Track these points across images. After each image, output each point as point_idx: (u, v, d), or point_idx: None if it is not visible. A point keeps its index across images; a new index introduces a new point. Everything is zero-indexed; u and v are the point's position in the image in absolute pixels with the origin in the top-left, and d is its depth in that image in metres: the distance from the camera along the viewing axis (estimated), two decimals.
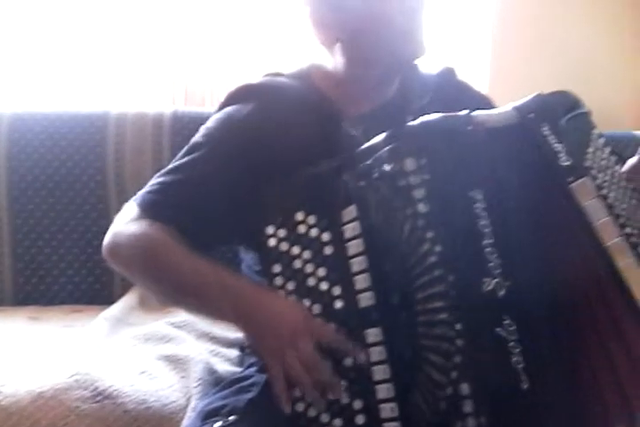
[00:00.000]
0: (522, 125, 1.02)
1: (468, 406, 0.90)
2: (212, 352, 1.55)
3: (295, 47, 2.27)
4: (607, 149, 1.03)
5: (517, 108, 1.03)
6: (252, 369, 1.25)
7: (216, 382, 1.40)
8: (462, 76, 1.36)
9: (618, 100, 2.66)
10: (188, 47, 2.25)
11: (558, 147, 1.00)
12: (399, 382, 0.95)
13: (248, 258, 1.27)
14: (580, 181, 0.99)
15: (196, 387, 1.37)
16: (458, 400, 0.90)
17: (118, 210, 1.86)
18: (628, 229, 0.98)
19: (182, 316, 1.68)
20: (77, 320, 1.73)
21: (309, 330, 0.97)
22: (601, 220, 0.98)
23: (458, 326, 0.91)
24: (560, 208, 0.99)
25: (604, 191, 1.00)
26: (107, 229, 1.87)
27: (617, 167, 1.03)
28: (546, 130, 1.01)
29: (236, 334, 1.66)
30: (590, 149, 1.02)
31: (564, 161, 1.00)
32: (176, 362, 1.45)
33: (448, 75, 1.34)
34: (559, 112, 1.03)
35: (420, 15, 1.16)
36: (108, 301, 1.83)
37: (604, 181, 1.00)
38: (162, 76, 2.25)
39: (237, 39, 2.26)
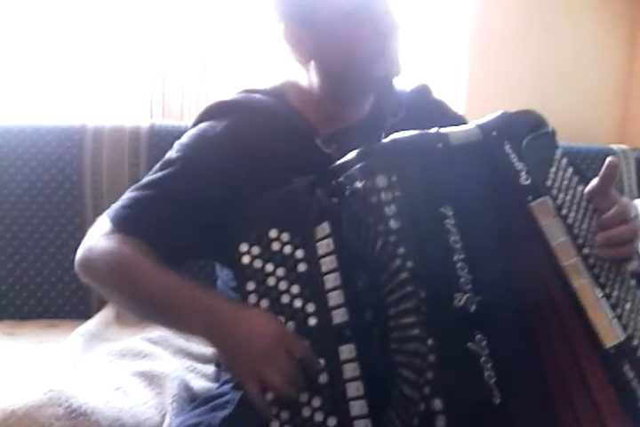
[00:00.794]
0: (484, 143, 1.02)
1: (440, 422, 0.90)
2: (189, 368, 1.54)
3: (274, 63, 2.27)
4: (570, 169, 1.03)
5: (480, 126, 1.04)
6: (228, 386, 1.25)
7: (191, 398, 1.39)
8: (438, 93, 1.37)
9: (597, 115, 2.69)
10: (166, 60, 2.25)
11: (519, 165, 1.01)
12: (373, 398, 0.95)
13: (223, 274, 1.27)
14: (539, 200, 1.00)
15: (171, 404, 1.35)
16: (431, 416, 0.90)
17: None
18: (585, 250, 0.99)
19: (158, 331, 1.68)
20: (53, 336, 1.71)
21: (283, 344, 0.97)
22: (559, 239, 0.98)
23: (430, 342, 0.91)
24: (520, 226, 1.00)
25: (564, 211, 1.00)
26: None
27: (579, 187, 1.03)
28: (508, 148, 1.02)
29: (212, 349, 1.65)
30: (552, 169, 1.02)
31: (525, 180, 1.01)
32: (151, 378, 1.44)
33: (423, 92, 1.34)
34: (522, 131, 1.03)
35: (395, 36, 1.16)
36: (86, 315, 1.82)
37: (565, 202, 1.01)
38: (140, 89, 2.26)
39: (216, 54, 2.26)
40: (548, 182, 1.01)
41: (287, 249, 1.03)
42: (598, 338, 0.95)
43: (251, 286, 1.03)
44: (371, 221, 0.96)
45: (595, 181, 1.03)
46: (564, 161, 1.03)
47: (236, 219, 1.06)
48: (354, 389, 0.96)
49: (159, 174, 1.18)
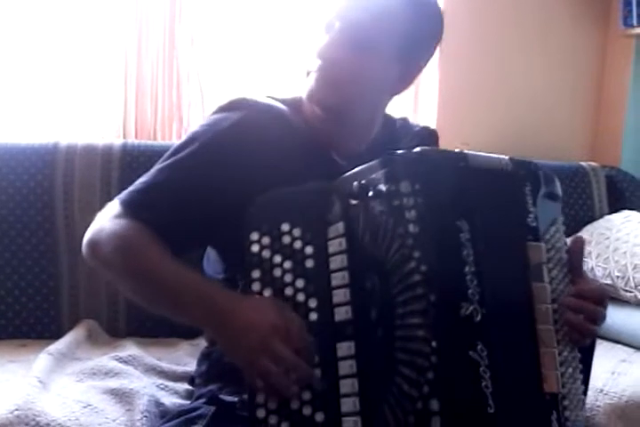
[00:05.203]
0: (511, 176, 1.08)
1: (435, 423, 0.90)
2: (160, 386, 1.52)
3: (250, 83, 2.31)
4: (564, 237, 1.12)
5: (513, 160, 1.09)
6: (201, 401, 1.23)
7: (162, 414, 1.38)
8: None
9: (567, 133, 2.75)
10: (140, 79, 2.24)
11: (531, 208, 1.08)
12: (366, 396, 0.96)
13: (214, 266, 1.27)
14: (536, 243, 1.07)
15: (140, 419, 1.34)
16: (426, 415, 0.91)
17: (66, 244, 1.85)
18: (555, 305, 1.06)
19: (129, 350, 1.67)
20: (23, 355, 1.67)
21: (280, 334, 0.98)
22: (539, 284, 1.06)
23: (434, 344, 0.92)
24: (515, 259, 1.06)
25: (550, 265, 1.08)
26: (54, 263, 1.85)
27: (565, 255, 1.11)
28: (527, 190, 1.08)
29: (183, 367, 1.64)
30: (553, 228, 1.10)
31: (531, 222, 1.07)
32: (121, 396, 1.42)
33: (430, 137, 1.40)
34: (542, 181, 1.11)
35: (325, 73, 1.19)
36: (56, 335, 1.78)
37: (552, 258, 1.09)
38: (113, 108, 2.23)
39: (190, 73, 2.26)
40: (547, 236, 1.09)
41: (297, 244, 1.04)
42: (541, 380, 1.01)
43: (256, 273, 1.04)
44: (390, 223, 0.97)
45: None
46: (563, 228, 1.12)
47: (250, 208, 1.06)
48: (348, 386, 0.97)
49: (170, 160, 1.19)
